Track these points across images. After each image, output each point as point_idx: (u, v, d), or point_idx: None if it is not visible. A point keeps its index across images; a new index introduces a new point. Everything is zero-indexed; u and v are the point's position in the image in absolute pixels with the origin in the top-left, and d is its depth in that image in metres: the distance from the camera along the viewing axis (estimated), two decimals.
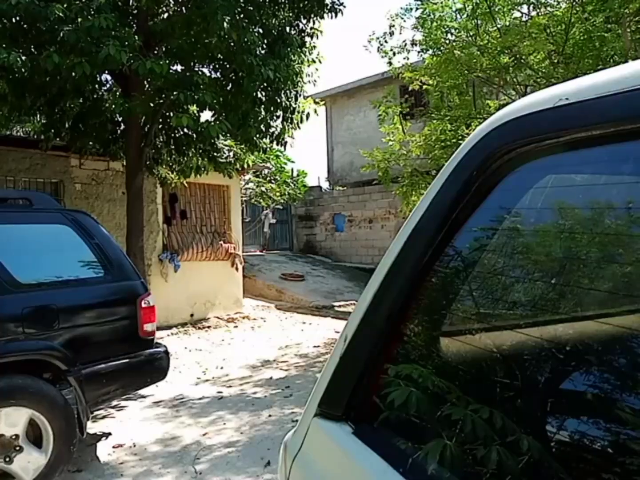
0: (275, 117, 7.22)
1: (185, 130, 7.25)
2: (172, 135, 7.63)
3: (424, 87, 8.46)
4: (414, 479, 0.74)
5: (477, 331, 0.86)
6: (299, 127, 7.42)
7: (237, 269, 10.64)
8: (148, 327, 3.74)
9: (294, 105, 7.16)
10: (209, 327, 9.29)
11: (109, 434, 4.22)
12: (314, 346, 7.59)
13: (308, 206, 16.77)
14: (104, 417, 4.63)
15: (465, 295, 0.90)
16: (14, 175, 7.81)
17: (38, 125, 7.70)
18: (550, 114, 0.71)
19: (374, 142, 12.03)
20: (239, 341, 8.20)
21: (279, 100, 6.98)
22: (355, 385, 0.92)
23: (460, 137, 7.64)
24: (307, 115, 7.44)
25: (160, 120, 7.18)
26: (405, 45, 8.33)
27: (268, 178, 16.91)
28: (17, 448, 3.03)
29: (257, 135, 7.20)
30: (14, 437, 3.03)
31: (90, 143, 7.29)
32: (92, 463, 3.68)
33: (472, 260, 0.88)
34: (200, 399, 5.20)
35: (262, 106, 6.95)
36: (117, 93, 7.18)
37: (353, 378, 0.93)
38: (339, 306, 11.00)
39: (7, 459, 3.00)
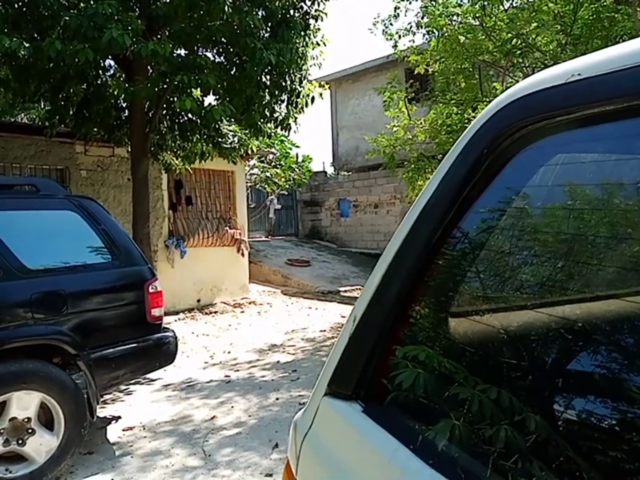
0: (279, 102, 7.16)
1: (190, 115, 7.22)
2: (177, 120, 7.59)
3: (430, 70, 8.36)
4: (425, 456, 0.74)
5: (485, 312, 0.86)
6: (304, 111, 7.36)
7: (243, 254, 10.66)
8: (156, 312, 3.77)
9: (298, 88, 7.09)
10: (215, 312, 9.35)
11: (119, 417, 4.28)
12: (321, 330, 7.63)
13: (313, 192, 16.72)
14: (113, 400, 4.70)
15: (473, 277, 0.89)
16: (19, 162, 7.82)
17: (42, 111, 7.69)
18: (563, 90, 0.70)
19: (379, 126, 11.96)
20: (245, 326, 8.25)
21: (283, 84, 6.91)
22: (365, 364, 0.92)
23: (466, 121, 7.56)
24: (312, 99, 7.36)
25: (165, 105, 7.14)
26: (411, 27, 8.22)
27: (273, 163, 16.86)
28: (30, 431, 3.09)
29: (262, 120, 7.15)
30: (26, 420, 3.08)
31: (95, 129, 7.26)
32: (103, 445, 3.74)
33: (481, 240, 0.87)
34: (208, 382, 5.26)
35: (267, 90, 6.89)
36: (121, 78, 7.15)
37: (362, 357, 0.93)
38: (345, 291, 11.03)
39: (20, 441, 3.06)
